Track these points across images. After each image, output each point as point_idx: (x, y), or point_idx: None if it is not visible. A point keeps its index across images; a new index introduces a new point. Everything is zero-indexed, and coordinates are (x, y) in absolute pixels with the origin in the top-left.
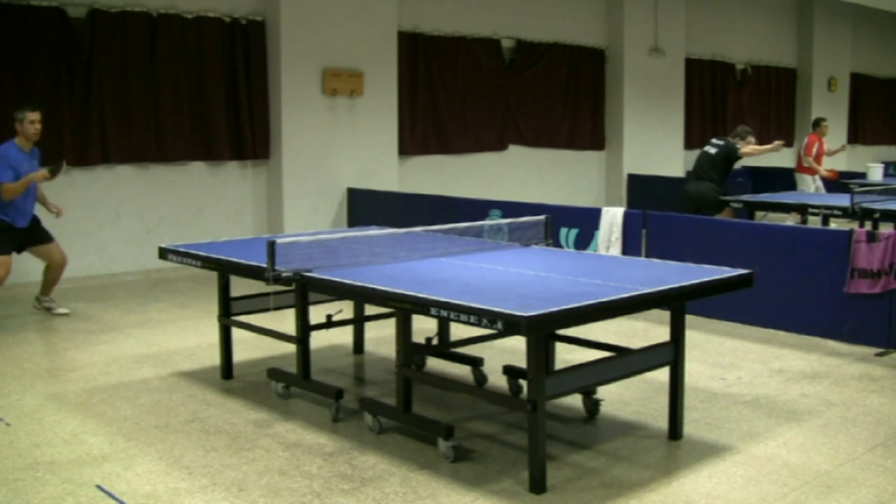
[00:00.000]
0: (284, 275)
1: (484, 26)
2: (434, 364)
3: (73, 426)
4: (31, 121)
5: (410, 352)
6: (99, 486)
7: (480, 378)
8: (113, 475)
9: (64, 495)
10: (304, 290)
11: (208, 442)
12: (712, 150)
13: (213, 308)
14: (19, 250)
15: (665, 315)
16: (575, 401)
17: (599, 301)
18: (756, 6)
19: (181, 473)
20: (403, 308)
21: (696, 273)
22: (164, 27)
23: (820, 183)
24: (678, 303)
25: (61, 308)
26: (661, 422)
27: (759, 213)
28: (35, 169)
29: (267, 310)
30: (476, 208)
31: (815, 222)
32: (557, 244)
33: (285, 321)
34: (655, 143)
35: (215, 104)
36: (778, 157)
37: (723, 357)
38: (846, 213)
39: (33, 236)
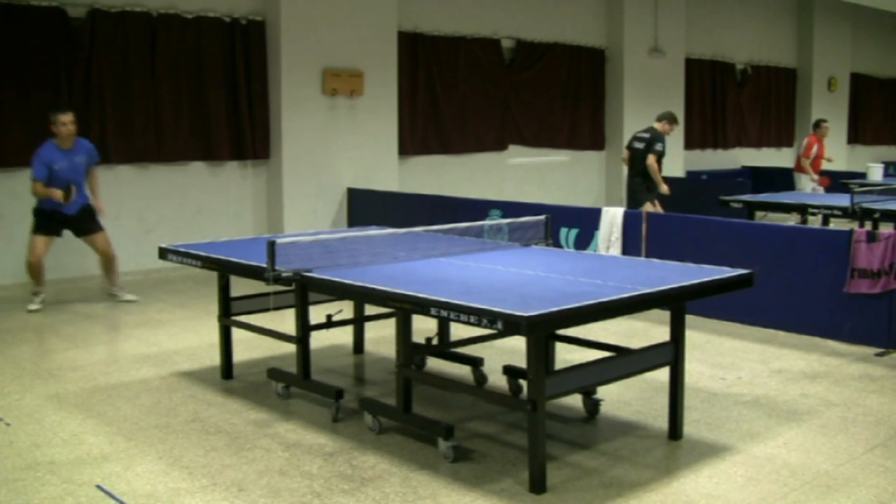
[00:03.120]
0: (284, 275)
1: (484, 26)
2: (434, 364)
3: (73, 426)
4: (63, 122)
5: (410, 352)
6: (99, 486)
7: (480, 378)
8: (113, 475)
9: (64, 495)
10: (303, 290)
11: (208, 442)
12: (639, 145)
13: (213, 308)
14: (77, 234)
15: (665, 315)
16: (575, 401)
17: (599, 301)
18: (756, 6)
19: (181, 473)
20: (403, 308)
21: (695, 273)
22: (164, 27)
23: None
24: (678, 303)
25: (128, 294)
26: (662, 422)
27: (759, 213)
28: (73, 164)
29: (267, 310)
30: (476, 208)
31: (814, 222)
32: (557, 244)
33: (285, 321)
34: None
35: (215, 104)
36: (779, 157)
37: (723, 357)
38: (846, 213)
39: (79, 225)
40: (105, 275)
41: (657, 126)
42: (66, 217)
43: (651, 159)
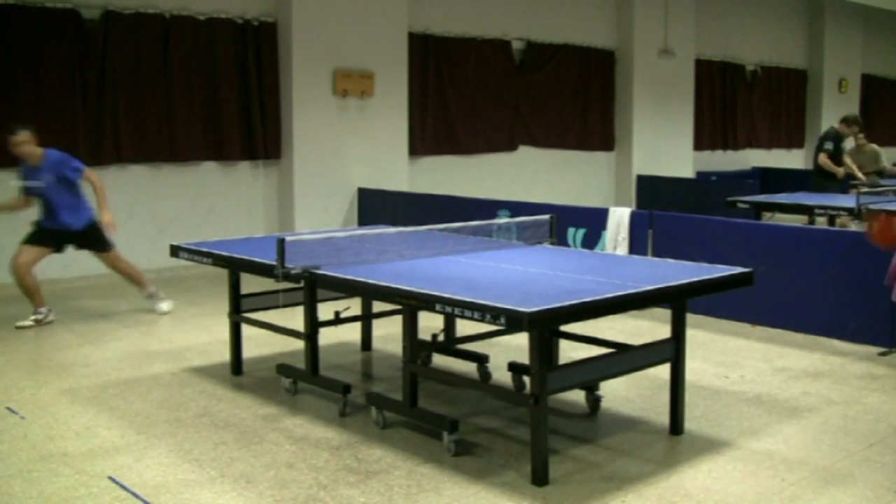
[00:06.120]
0: (294, 272)
1: (494, 28)
2: (440, 361)
3: (86, 420)
4: (13, 144)
5: (416, 347)
6: (111, 478)
7: (485, 375)
8: (124, 467)
9: (77, 486)
10: (312, 287)
11: (217, 436)
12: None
13: (224, 305)
14: (79, 248)
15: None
16: (578, 397)
17: (599, 297)
18: (766, 7)
19: (191, 466)
20: (409, 304)
21: (695, 271)
22: (177, 28)
23: None
24: (678, 300)
25: (163, 305)
26: (663, 418)
27: (766, 214)
28: (38, 180)
29: (276, 307)
30: (485, 208)
31: (821, 223)
32: (564, 243)
33: (294, 318)
34: (665, 145)
35: (227, 104)
36: (789, 158)
37: (726, 356)
38: (852, 213)
39: (83, 244)
40: (137, 287)
41: (837, 126)
42: (70, 234)
43: (822, 157)
